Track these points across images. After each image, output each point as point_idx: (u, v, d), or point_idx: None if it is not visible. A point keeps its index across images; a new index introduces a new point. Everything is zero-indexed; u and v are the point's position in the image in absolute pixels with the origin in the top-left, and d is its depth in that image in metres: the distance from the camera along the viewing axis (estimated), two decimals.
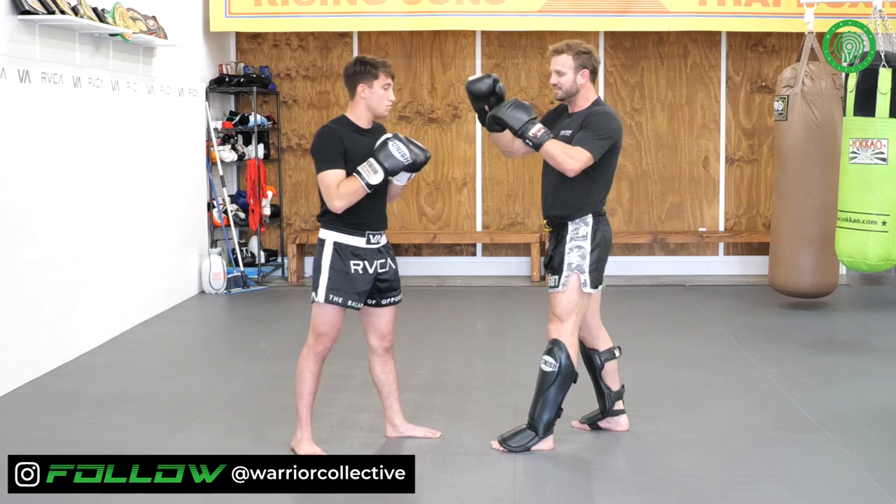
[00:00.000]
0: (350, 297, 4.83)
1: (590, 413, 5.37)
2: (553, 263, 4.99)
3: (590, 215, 4.94)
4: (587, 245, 4.92)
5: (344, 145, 4.74)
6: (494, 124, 4.99)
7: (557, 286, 4.95)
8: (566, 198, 4.94)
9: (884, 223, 7.01)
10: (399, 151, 4.70)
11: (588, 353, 5.26)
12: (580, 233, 4.93)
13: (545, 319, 5.10)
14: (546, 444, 4.99)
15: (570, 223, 4.94)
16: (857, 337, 7.72)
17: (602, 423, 5.31)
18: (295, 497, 4.56)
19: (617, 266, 10.32)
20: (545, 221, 5.09)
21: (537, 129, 4.85)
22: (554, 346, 4.92)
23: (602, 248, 4.96)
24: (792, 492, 4.47)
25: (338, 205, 4.70)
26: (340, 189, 4.69)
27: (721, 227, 10.49)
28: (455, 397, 5.96)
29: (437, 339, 7.60)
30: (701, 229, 10.44)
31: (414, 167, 4.76)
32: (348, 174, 4.73)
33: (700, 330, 7.86)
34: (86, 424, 5.50)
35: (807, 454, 4.95)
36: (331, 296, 4.80)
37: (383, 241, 4.93)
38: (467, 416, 5.57)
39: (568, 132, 4.95)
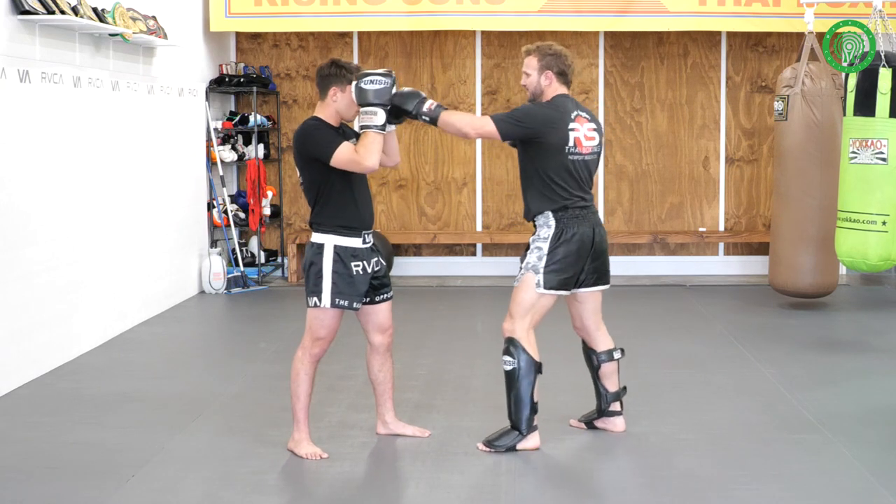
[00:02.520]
0: (354, 299, 4.85)
1: (587, 412, 5.38)
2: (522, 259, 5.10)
3: (549, 213, 4.94)
4: (546, 246, 4.93)
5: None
6: (391, 117, 4.90)
7: (515, 281, 5.07)
8: (525, 196, 5.04)
9: (884, 223, 7.01)
10: (374, 83, 4.72)
11: (587, 352, 5.28)
12: (542, 234, 4.96)
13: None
14: (531, 441, 4.97)
15: (535, 222, 5.01)
16: (857, 337, 7.72)
17: (597, 423, 5.31)
18: (293, 495, 4.57)
19: (617, 266, 10.22)
20: None
21: (430, 105, 4.91)
22: (509, 345, 4.95)
23: (568, 249, 4.91)
24: (792, 492, 4.47)
25: (370, 164, 4.71)
26: (360, 151, 4.71)
27: (721, 227, 10.49)
28: (455, 397, 5.96)
29: (437, 339, 7.60)
30: (701, 229, 10.44)
31: (393, 84, 4.75)
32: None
33: (700, 330, 7.86)
34: (86, 424, 5.50)
35: (807, 454, 4.95)
36: (337, 300, 4.81)
37: (371, 239, 4.97)
38: (467, 416, 5.57)
39: None
